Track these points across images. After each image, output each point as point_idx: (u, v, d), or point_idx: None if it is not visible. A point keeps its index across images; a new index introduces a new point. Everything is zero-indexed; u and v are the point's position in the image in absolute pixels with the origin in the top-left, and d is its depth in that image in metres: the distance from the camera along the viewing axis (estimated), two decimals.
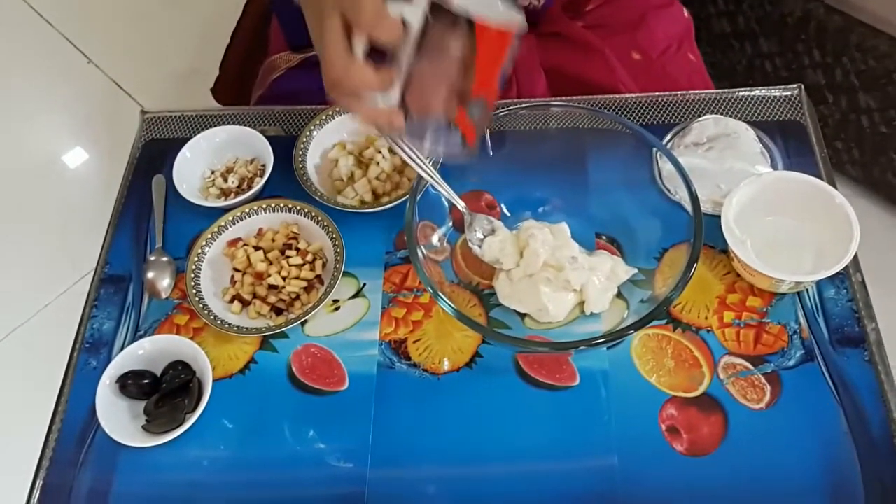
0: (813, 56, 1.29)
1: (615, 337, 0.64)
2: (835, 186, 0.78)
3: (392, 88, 0.55)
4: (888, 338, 0.73)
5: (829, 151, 1.41)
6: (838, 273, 0.72)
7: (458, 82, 0.55)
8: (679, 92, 0.86)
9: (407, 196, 0.69)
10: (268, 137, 0.84)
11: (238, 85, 1.14)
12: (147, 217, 0.84)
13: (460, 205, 0.71)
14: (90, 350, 0.76)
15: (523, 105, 0.74)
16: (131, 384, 0.69)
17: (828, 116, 1.36)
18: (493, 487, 0.65)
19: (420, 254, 0.66)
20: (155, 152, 0.89)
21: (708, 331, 0.71)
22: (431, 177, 0.69)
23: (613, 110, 0.86)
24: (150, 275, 0.79)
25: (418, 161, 0.67)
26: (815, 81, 1.31)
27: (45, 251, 1.58)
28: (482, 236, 0.73)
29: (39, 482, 0.69)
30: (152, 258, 0.80)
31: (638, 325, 0.62)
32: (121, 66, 1.85)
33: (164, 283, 0.79)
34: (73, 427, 0.71)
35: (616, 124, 0.72)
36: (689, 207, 0.65)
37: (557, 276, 0.70)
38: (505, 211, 0.78)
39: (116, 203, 0.86)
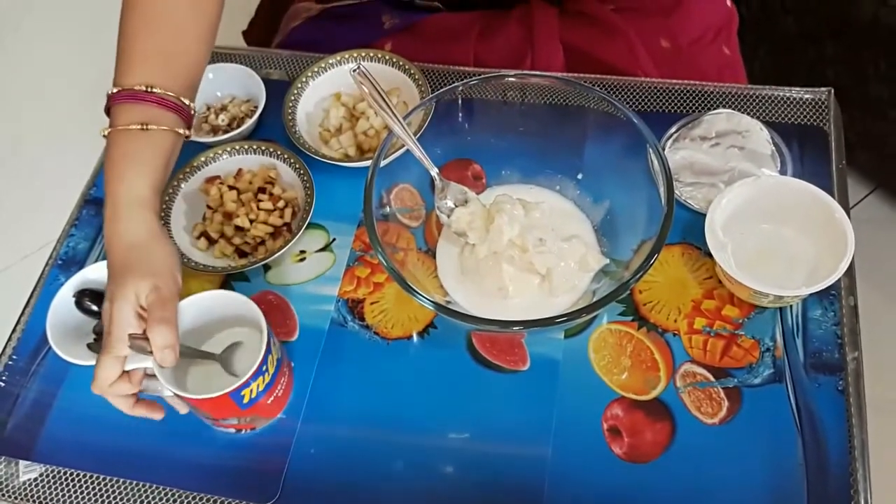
0: (879, 66, 1.20)
1: (565, 319, 0.60)
2: (846, 202, 0.72)
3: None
4: (880, 369, 0.67)
5: (885, 176, 1.32)
6: (829, 294, 0.67)
7: None
8: (698, 82, 0.81)
9: (393, 154, 0.67)
10: (271, 81, 0.84)
11: (268, 30, 1.13)
12: None
13: (433, 171, 0.68)
14: (62, 266, 0.77)
15: (492, 74, 0.69)
16: (88, 301, 0.70)
17: (888, 135, 1.27)
18: (417, 459, 0.63)
19: (375, 217, 0.63)
20: None
21: (674, 334, 0.66)
22: (408, 138, 0.66)
23: (626, 94, 0.81)
24: None
25: (397, 122, 0.65)
26: (878, 94, 1.22)
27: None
28: (453, 206, 0.70)
29: None
30: None
31: (589, 310, 0.58)
32: None
33: None
34: (32, 338, 0.72)
35: (613, 108, 0.67)
36: (663, 197, 0.61)
37: (522, 256, 0.67)
38: (491, 184, 0.75)
39: None
